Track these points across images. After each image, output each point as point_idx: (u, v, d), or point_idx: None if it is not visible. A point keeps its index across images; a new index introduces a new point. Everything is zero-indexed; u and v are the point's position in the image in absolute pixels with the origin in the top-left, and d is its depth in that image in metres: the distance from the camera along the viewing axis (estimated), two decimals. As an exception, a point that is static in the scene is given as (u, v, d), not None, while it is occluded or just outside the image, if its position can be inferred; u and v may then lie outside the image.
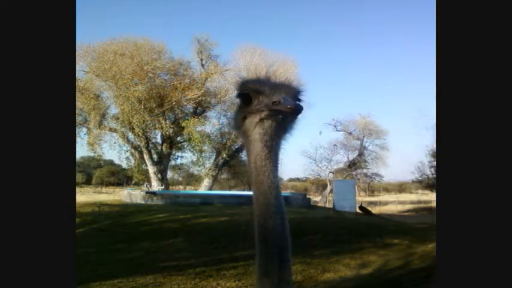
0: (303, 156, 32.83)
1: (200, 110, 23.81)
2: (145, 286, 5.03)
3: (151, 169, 22.22)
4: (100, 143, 21.51)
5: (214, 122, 23.50)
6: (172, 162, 25.83)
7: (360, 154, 32.00)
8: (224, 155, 22.89)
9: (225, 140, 23.47)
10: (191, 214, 11.09)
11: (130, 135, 22.36)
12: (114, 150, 22.61)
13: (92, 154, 23.31)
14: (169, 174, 29.81)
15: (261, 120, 1.03)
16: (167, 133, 21.81)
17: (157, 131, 22.93)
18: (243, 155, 17.59)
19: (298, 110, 1.00)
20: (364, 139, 32.36)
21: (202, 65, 24.18)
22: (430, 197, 33.62)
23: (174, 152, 24.68)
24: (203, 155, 23.16)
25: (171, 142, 23.35)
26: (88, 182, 47.70)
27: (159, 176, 22.32)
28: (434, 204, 21.37)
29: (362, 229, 9.49)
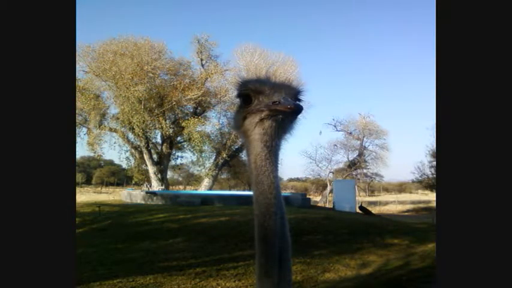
0: (303, 156, 32.90)
1: (200, 110, 23.83)
2: (145, 286, 5.04)
3: (151, 169, 22.23)
4: (100, 143, 21.55)
5: (214, 122, 23.57)
6: (172, 162, 25.88)
7: (360, 154, 31.99)
8: (224, 155, 22.88)
9: (225, 140, 23.48)
10: (191, 214, 11.09)
11: (131, 135, 22.39)
12: (114, 150, 22.69)
13: (92, 154, 23.39)
14: (169, 174, 29.91)
15: (261, 120, 1.03)
16: (167, 133, 21.83)
17: (157, 131, 22.95)
18: (243, 155, 17.56)
19: (298, 110, 1.00)
20: (364, 139, 32.37)
21: (202, 65, 24.21)
22: (430, 197, 33.66)
23: (174, 152, 24.70)
24: (203, 155, 23.19)
25: (171, 142, 23.37)
26: (88, 182, 47.66)
27: (159, 176, 22.33)
28: (434, 204, 21.37)
29: (362, 229, 9.49)
